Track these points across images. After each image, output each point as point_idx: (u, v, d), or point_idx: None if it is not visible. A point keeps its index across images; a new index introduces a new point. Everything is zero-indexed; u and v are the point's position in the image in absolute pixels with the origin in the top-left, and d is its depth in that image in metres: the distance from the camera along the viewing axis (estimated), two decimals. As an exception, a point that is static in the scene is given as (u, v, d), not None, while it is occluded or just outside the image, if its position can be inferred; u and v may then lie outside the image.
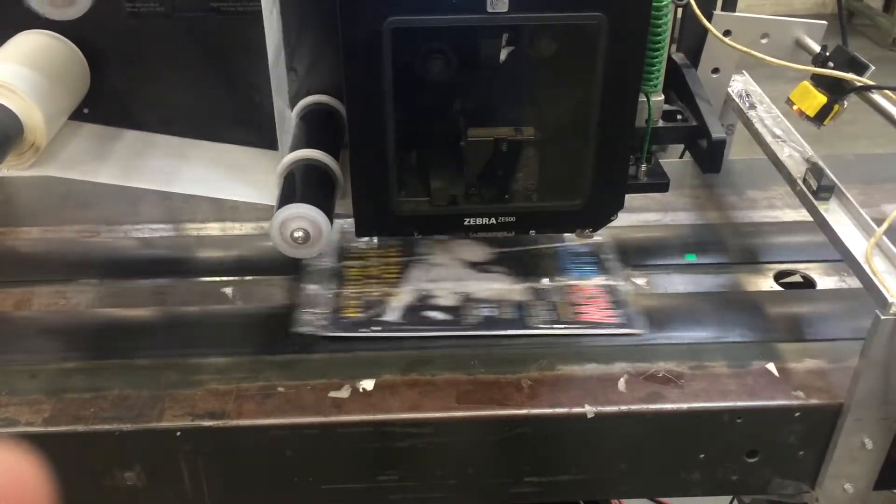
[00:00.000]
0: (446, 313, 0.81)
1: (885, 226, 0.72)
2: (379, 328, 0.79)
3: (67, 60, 0.75)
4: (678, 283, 0.86)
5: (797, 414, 0.71)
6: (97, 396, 0.71)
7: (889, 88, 0.74)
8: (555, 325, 0.79)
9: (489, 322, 0.80)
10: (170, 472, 0.71)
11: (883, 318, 0.65)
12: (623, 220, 0.79)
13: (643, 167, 0.79)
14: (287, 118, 0.78)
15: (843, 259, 0.74)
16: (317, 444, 0.71)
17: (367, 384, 0.73)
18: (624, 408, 0.71)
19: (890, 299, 0.65)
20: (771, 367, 0.74)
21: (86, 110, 0.78)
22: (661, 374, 0.74)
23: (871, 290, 0.68)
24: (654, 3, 0.68)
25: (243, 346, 0.78)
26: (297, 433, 0.70)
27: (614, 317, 0.80)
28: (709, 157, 0.78)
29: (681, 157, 1.01)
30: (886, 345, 0.66)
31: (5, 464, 0.30)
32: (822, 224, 0.77)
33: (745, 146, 1.00)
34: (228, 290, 0.85)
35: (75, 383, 0.73)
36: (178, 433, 0.69)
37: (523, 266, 0.87)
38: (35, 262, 0.91)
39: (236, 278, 0.87)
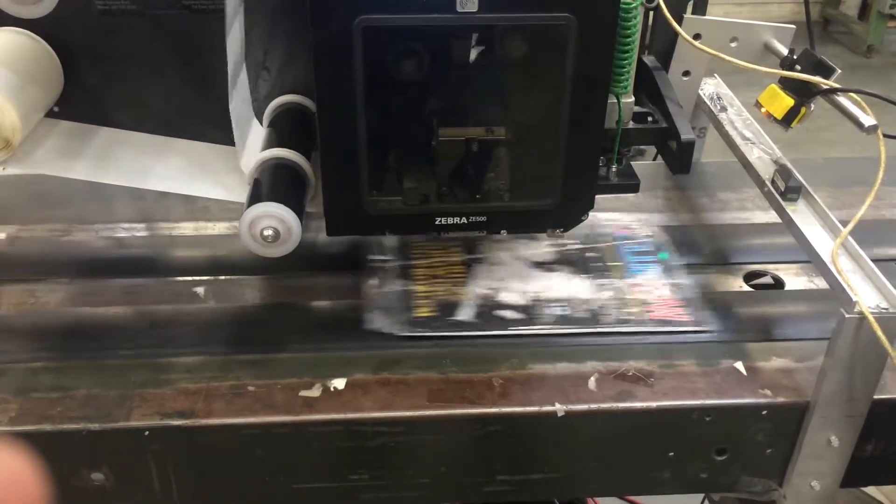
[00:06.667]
0: (518, 312, 0.81)
1: (850, 226, 0.73)
2: (452, 328, 0.79)
3: (40, 58, 0.74)
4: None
5: (764, 412, 0.72)
6: (65, 396, 0.70)
7: (854, 91, 0.75)
8: (628, 324, 0.80)
9: (563, 320, 0.80)
10: (138, 473, 0.70)
11: (847, 317, 0.66)
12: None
13: (614, 168, 0.80)
14: (247, 119, 0.78)
15: (810, 259, 0.75)
16: (287, 444, 0.70)
17: (339, 383, 0.72)
18: (594, 406, 0.71)
19: (854, 298, 0.66)
20: (739, 365, 0.75)
21: (56, 108, 0.78)
22: (631, 373, 0.74)
23: (836, 289, 0.69)
24: (623, 5, 0.69)
25: (213, 345, 0.77)
26: (268, 432, 0.69)
27: (684, 315, 0.81)
28: (678, 158, 0.79)
29: (654, 159, 1.02)
30: (851, 344, 0.66)
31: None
32: (789, 225, 0.78)
33: (721, 149, 1.00)
34: (200, 290, 0.85)
35: (43, 382, 0.72)
36: (147, 433, 0.68)
37: (586, 264, 0.88)
38: (5, 261, 0.90)
39: (209, 278, 0.87)
